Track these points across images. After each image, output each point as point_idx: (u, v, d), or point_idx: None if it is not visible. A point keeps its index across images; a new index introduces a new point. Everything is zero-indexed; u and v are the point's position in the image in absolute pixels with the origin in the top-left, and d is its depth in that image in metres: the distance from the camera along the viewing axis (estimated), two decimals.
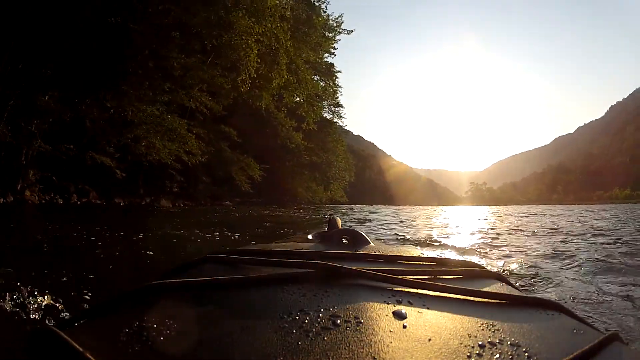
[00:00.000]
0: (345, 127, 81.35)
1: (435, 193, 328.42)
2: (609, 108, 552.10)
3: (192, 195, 40.81)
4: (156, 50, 26.16)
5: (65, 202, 25.56)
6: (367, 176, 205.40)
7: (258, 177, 47.72)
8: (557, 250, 7.09)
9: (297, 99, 43.97)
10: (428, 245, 8.47)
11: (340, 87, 64.90)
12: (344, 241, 1.87)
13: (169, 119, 30.35)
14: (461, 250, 7.54)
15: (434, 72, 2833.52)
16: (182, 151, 32.48)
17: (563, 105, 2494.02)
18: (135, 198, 32.31)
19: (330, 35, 53.08)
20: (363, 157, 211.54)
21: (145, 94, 26.97)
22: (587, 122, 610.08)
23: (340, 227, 2.24)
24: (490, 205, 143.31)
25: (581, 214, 28.24)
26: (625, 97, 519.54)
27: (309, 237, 2.39)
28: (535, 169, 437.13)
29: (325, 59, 58.16)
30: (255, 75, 28.13)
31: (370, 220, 17.64)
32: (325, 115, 66.36)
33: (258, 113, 46.25)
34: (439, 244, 8.57)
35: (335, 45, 55.76)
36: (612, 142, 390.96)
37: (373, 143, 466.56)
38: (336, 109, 69.03)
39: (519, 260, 5.88)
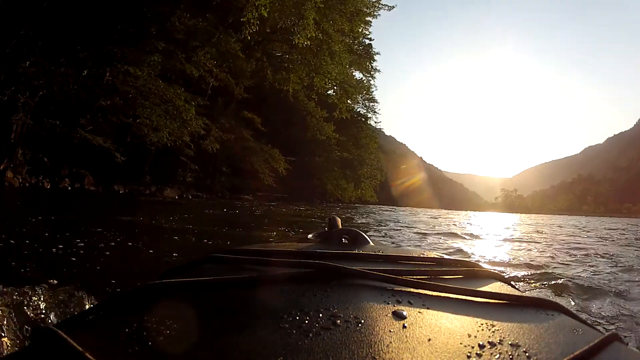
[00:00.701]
0: (379, 123, 76.16)
1: (464, 197, 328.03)
2: (638, 120, 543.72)
3: (208, 186, 36.44)
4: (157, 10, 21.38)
5: (53, 187, 22.73)
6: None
7: (283, 171, 42.50)
8: None
9: (330, 90, 38.24)
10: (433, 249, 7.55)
11: (379, 70, 58.77)
12: (344, 241, 1.80)
13: (161, 84, 24.60)
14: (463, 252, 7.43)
15: (467, 75, 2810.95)
16: (185, 132, 27.09)
17: (593, 114, 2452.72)
18: (139, 186, 28.26)
19: (368, 11, 46.01)
20: (394, 157, 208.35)
21: (131, 54, 21.90)
22: (616, 133, 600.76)
23: (340, 227, 2.10)
24: (523, 213, 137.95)
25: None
26: None
27: (309, 237, 2.18)
28: (564, 178, 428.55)
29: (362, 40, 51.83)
30: (265, 14, 22.85)
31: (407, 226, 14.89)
32: (359, 109, 63.80)
33: (286, 102, 41.74)
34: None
35: (372, 21, 49.14)
36: None
37: (405, 144, 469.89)
38: (370, 104, 65.83)
39: None
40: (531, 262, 6.87)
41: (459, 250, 8.64)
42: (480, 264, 1.49)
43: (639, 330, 2.95)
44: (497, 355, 0.70)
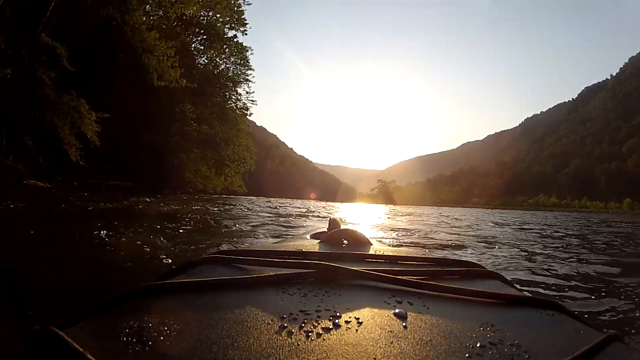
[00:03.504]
0: (251, 94, 64.90)
1: (337, 188, 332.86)
2: (525, 119, 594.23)
3: None
4: None
5: None
6: (268, 167, 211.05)
7: (94, 138, 29.40)
8: None
9: None
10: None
11: None
12: (344, 241, 1.97)
13: None
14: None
15: (340, 70, 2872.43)
16: None
17: (473, 115, 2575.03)
18: None
19: None
20: (265, 146, 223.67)
21: None
22: (498, 131, 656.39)
23: (341, 227, 2.33)
24: (404, 204, 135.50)
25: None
26: (544, 110, 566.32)
27: (309, 237, 2.67)
28: (440, 172, 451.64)
29: None
30: None
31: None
32: (228, 73, 55.03)
33: (118, 34, 30.05)
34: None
35: None
36: (529, 151, 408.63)
37: (275, 135, 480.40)
38: (243, 69, 55.81)
39: None
40: None
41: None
42: (480, 264, 1.54)
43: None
44: (498, 356, 0.76)
